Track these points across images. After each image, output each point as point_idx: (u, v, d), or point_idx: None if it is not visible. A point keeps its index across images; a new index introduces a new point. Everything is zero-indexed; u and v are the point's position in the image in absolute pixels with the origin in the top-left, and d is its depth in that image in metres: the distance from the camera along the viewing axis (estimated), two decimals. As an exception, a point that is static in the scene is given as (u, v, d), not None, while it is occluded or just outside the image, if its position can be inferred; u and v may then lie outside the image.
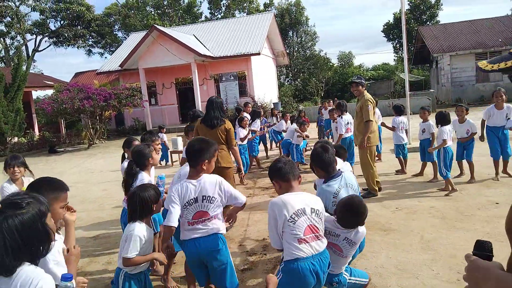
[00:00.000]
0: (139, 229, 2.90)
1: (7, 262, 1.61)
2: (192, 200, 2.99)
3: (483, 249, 1.32)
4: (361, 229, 3.08)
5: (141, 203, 2.96)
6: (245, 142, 8.88)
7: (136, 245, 2.84)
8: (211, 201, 3.02)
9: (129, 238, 2.85)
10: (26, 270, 1.64)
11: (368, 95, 6.58)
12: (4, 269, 1.61)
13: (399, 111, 8.36)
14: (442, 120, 6.58)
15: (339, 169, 3.52)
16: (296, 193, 2.84)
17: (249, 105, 11.64)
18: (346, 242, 3.03)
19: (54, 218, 2.06)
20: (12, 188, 4.27)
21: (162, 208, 3.33)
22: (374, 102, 6.63)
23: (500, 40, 25.17)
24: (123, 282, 2.89)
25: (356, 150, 9.35)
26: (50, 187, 2.21)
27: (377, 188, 6.58)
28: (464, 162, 7.09)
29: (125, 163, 4.64)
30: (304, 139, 9.38)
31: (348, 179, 3.47)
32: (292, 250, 2.69)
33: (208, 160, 3.08)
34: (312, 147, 4.14)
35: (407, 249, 4.36)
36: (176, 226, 2.97)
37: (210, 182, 3.04)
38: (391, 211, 5.74)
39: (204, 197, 3.01)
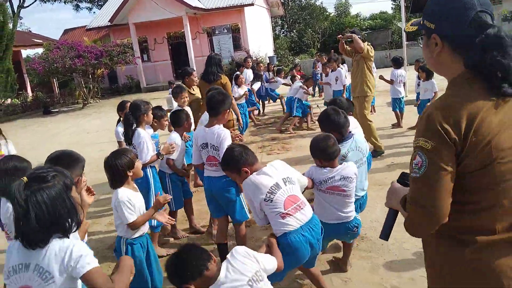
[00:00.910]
0: (122, 194, 2.87)
1: (39, 234, 1.66)
2: (203, 145, 3.52)
3: (405, 178, 1.66)
4: (347, 163, 3.11)
5: (112, 171, 2.92)
6: (243, 101, 8.61)
7: (128, 209, 2.84)
8: (216, 149, 3.43)
9: (118, 206, 2.85)
10: (58, 241, 1.71)
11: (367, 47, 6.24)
12: (36, 241, 1.67)
13: (397, 63, 8.24)
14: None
15: (350, 131, 3.43)
16: (266, 169, 2.73)
17: (249, 60, 11.35)
18: (343, 180, 3.03)
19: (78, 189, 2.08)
20: None
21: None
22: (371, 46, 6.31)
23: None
24: (125, 249, 2.90)
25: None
26: (70, 160, 2.18)
27: (380, 144, 6.30)
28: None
29: (119, 127, 4.65)
30: (309, 94, 9.20)
31: (358, 141, 3.42)
32: (279, 227, 2.62)
33: (227, 109, 3.52)
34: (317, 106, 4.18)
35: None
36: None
37: (215, 132, 3.43)
38: (387, 165, 5.80)
39: (210, 144, 3.46)
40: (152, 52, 24.34)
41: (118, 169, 2.90)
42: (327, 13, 38.43)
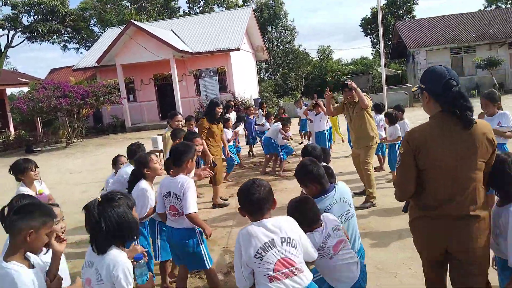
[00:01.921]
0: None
1: (104, 244, 2.18)
2: (166, 194, 3.53)
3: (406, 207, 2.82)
4: (325, 216, 2.81)
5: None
6: (231, 143, 8.73)
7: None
8: (178, 199, 3.43)
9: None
10: (114, 251, 2.20)
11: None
12: (101, 249, 2.18)
13: (378, 109, 8.52)
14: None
15: (331, 183, 3.11)
16: (267, 221, 2.39)
17: (231, 103, 11.58)
18: (333, 231, 2.73)
19: (37, 243, 2.13)
20: (28, 191, 4.28)
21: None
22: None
23: (473, 35, 25.82)
24: None
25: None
26: (41, 211, 2.18)
27: (375, 196, 6.09)
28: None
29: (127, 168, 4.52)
30: (288, 140, 9.07)
31: (342, 192, 3.06)
32: None
33: (189, 159, 3.59)
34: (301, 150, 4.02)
35: (385, 248, 4.50)
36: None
37: (179, 182, 3.45)
38: (370, 210, 5.88)
39: (173, 193, 3.47)
40: (138, 92, 24.58)
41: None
42: (310, 58, 39.73)
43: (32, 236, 2.09)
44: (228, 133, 8.64)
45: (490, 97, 4.77)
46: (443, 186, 2.40)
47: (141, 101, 24.58)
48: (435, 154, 2.38)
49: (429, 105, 2.50)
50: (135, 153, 4.67)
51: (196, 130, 9.07)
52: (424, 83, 2.53)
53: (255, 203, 2.43)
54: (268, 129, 10.05)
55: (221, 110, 6.89)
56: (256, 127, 11.28)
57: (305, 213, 2.68)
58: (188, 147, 3.64)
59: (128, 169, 4.39)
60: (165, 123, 12.72)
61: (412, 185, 2.47)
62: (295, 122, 15.09)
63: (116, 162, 5.21)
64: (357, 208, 6.00)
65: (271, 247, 2.31)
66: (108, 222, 2.17)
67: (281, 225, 2.39)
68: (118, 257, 2.19)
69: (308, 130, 12.92)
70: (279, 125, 9.07)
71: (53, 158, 15.59)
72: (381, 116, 8.48)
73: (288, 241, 2.36)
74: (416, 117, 16.68)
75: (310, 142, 11.19)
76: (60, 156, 16.12)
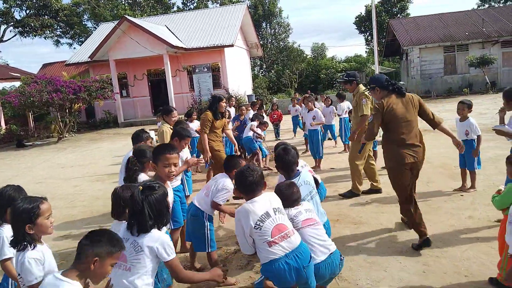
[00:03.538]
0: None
1: (147, 225, 2.48)
2: None
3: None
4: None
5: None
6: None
7: None
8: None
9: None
10: (155, 230, 2.53)
11: (362, 89, 6.34)
12: (145, 229, 2.49)
13: (341, 97, 8.98)
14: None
15: (297, 169, 3.73)
16: (258, 198, 2.97)
17: (232, 99, 11.57)
18: (306, 212, 3.27)
19: (101, 272, 2.12)
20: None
21: None
22: (370, 96, 6.20)
23: (466, 33, 25.93)
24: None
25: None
26: (109, 241, 2.16)
27: (360, 188, 6.30)
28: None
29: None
30: (260, 138, 8.97)
31: (304, 176, 3.70)
32: (265, 254, 2.85)
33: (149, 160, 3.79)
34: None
35: (376, 242, 4.50)
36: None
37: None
38: (361, 204, 5.89)
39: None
40: (131, 87, 24.43)
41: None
42: (304, 55, 39.71)
43: (96, 264, 2.07)
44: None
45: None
46: (401, 128, 4.23)
47: (134, 96, 24.44)
48: (396, 112, 4.22)
49: (380, 94, 4.41)
50: (139, 137, 4.64)
51: (195, 124, 9.02)
52: (374, 84, 4.46)
53: (248, 185, 2.98)
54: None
55: (224, 105, 6.73)
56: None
57: (291, 196, 3.25)
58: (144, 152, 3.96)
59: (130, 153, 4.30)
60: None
61: (377, 131, 4.41)
62: (288, 118, 15.09)
63: (137, 137, 4.80)
64: (340, 195, 6.32)
65: (267, 218, 2.86)
66: (150, 207, 2.49)
67: (270, 198, 3.00)
68: (160, 235, 2.52)
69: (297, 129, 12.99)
70: (253, 122, 9.00)
71: (44, 153, 15.45)
72: (344, 104, 8.84)
73: (279, 210, 2.97)
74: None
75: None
76: (51, 150, 15.98)
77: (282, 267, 2.78)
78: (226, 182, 3.97)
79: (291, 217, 3.15)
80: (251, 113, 10.58)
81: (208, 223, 3.91)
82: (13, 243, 2.40)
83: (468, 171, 6.04)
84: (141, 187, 2.57)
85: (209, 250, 3.92)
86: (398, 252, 4.18)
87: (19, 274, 2.37)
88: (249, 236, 2.89)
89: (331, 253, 3.15)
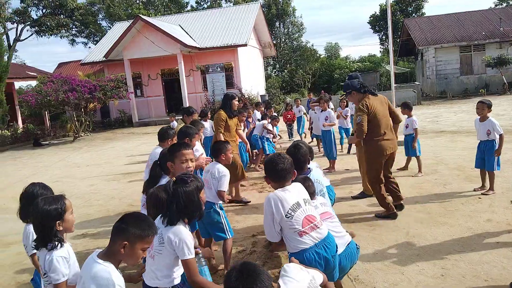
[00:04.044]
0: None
1: (174, 218, 2.53)
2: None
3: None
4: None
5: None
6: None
7: None
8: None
9: None
10: (180, 226, 2.54)
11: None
12: (171, 221, 2.53)
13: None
14: None
15: (308, 168, 3.81)
16: (290, 188, 2.96)
17: (261, 105, 11.49)
18: (322, 206, 3.33)
19: (132, 257, 2.10)
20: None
21: None
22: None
23: (483, 33, 25.52)
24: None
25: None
26: (137, 225, 2.12)
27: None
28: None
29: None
30: (273, 136, 9.05)
31: (316, 175, 3.77)
32: (295, 244, 2.87)
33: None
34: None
35: (393, 244, 4.46)
36: None
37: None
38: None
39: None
40: (145, 87, 24.62)
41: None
42: (317, 55, 39.60)
43: (126, 248, 2.06)
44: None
45: None
46: (381, 124, 5.11)
47: (148, 96, 24.63)
48: (377, 110, 5.09)
49: (356, 97, 5.24)
50: (166, 134, 4.65)
51: (208, 123, 8.98)
52: (350, 88, 5.27)
53: (280, 172, 2.97)
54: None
55: (237, 103, 6.64)
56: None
57: (307, 189, 3.19)
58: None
59: (158, 150, 4.25)
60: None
61: (366, 129, 5.07)
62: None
63: (164, 134, 4.73)
64: (353, 198, 6.26)
65: (298, 208, 2.88)
66: (178, 200, 2.53)
67: (299, 189, 3.00)
68: (181, 231, 2.51)
69: (304, 131, 12.87)
70: (264, 121, 9.10)
71: (60, 152, 15.68)
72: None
73: (308, 201, 2.99)
74: (424, 115, 16.59)
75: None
76: (67, 150, 16.20)
77: (312, 256, 2.82)
78: (220, 169, 4.22)
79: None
80: (257, 114, 10.63)
81: (222, 211, 4.10)
82: (41, 243, 2.40)
83: (487, 172, 5.95)
84: (175, 178, 2.61)
85: (230, 236, 4.06)
86: (416, 255, 4.14)
87: (45, 273, 2.38)
88: (278, 223, 2.88)
89: (348, 243, 3.24)
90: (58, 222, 2.41)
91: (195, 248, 2.70)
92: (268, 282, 1.78)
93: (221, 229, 4.04)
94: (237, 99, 6.68)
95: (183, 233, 2.50)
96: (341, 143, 10.76)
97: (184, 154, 3.38)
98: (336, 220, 3.38)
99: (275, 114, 10.11)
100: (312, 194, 3.27)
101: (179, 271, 2.59)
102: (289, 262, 2.61)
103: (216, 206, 4.09)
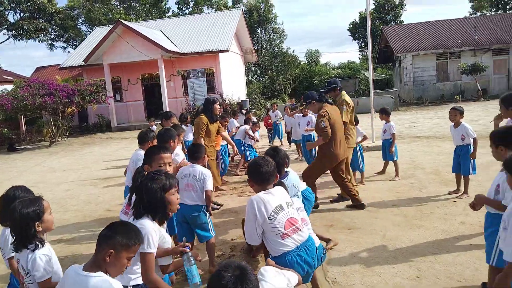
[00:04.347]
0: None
1: (138, 211, 2.51)
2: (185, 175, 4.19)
3: None
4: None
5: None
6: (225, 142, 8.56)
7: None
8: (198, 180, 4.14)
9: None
10: (146, 220, 2.50)
11: (344, 96, 6.23)
12: (136, 214, 2.52)
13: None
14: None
15: (286, 171, 3.91)
16: (273, 191, 2.99)
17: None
18: (298, 211, 3.26)
19: (117, 266, 2.06)
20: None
21: None
22: (351, 104, 6.25)
23: (459, 41, 26.22)
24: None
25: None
26: (124, 233, 2.10)
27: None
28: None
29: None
30: (254, 140, 9.14)
31: (292, 179, 3.88)
32: (277, 247, 2.87)
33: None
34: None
35: (370, 247, 4.51)
36: None
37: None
38: (355, 210, 5.90)
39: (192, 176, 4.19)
40: (125, 92, 24.35)
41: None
42: (298, 61, 39.92)
43: (112, 257, 2.03)
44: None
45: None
46: (337, 130, 5.60)
47: (128, 100, 24.37)
48: (334, 117, 5.62)
49: (316, 106, 5.76)
50: (146, 136, 4.61)
51: (189, 127, 8.88)
52: (310, 98, 5.84)
53: (264, 175, 2.97)
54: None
55: (219, 108, 6.59)
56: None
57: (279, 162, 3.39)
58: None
59: (141, 152, 4.20)
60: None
61: (330, 131, 5.48)
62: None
63: (144, 137, 4.73)
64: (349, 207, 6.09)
65: (280, 210, 2.89)
66: (141, 194, 2.51)
67: (282, 192, 3.02)
68: (145, 224, 2.46)
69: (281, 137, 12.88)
70: (246, 126, 9.15)
71: (36, 157, 15.33)
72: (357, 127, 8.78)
73: (290, 204, 3.00)
74: (402, 120, 16.89)
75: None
76: (43, 154, 15.85)
77: (294, 259, 2.86)
78: (203, 170, 4.19)
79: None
80: (234, 122, 10.61)
81: (207, 213, 4.18)
82: (21, 245, 2.38)
83: (462, 176, 6.08)
84: (146, 173, 2.60)
85: (213, 234, 4.18)
86: (392, 257, 4.19)
87: (28, 273, 2.35)
88: (260, 226, 2.88)
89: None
90: (37, 223, 2.41)
91: (184, 247, 2.67)
92: (256, 282, 1.76)
93: (206, 229, 4.10)
94: (218, 103, 6.63)
95: (147, 227, 2.45)
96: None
97: (162, 157, 3.32)
98: (310, 226, 3.44)
99: (255, 119, 10.16)
100: (282, 166, 3.44)
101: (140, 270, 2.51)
102: (266, 265, 2.62)
103: (203, 208, 4.12)
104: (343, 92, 6.41)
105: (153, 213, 2.55)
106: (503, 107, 4.42)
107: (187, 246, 2.69)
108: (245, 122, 9.68)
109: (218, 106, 6.53)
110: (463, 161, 5.98)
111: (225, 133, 7.30)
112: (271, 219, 2.84)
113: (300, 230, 2.95)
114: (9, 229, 2.74)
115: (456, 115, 6.05)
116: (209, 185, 4.12)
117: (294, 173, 4.01)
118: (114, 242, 2.04)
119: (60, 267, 2.47)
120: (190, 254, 2.62)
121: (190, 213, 4.02)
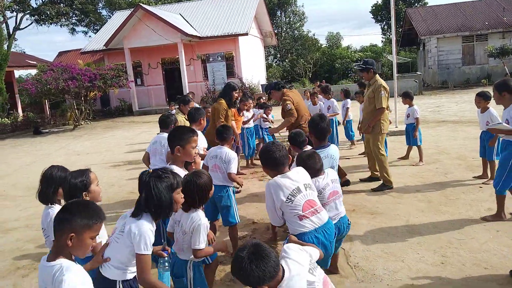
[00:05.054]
0: (203, 218, 2.76)
1: (139, 209, 2.38)
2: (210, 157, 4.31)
3: None
4: (328, 170, 3.50)
5: (199, 191, 2.79)
6: (251, 125, 8.45)
7: (204, 235, 2.74)
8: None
9: (197, 229, 2.70)
10: (145, 221, 2.35)
11: (381, 81, 6.04)
12: (136, 213, 2.38)
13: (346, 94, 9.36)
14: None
15: (328, 142, 4.02)
16: (290, 174, 2.99)
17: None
18: (333, 183, 3.39)
19: (81, 248, 1.94)
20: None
21: None
22: (388, 89, 6.01)
23: (486, 23, 25.31)
24: (193, 272, 2.81)
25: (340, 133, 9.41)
26: (83, 213, 1.95)
27: (391, 179, 6.01)
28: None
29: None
30: (270, 122, 8.96)
31: (332, 150, 3.95)
32: (295, 227, 2.93)
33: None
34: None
35: (393, 232, 4.46)
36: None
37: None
38: (378, 195, 5.83)
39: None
40: (145, 76, 24.52)
41: (204, 189, 2.82)
42: (319, 45, 39.34)
43: (74, 240, 1.89)
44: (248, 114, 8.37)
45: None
46: (301, 114, 5.76)
47: (149, 85, 24.54)
48: (297, 100, 5.84)
49: (276, 94, 6.01)
50: (169, 120, 4.81)
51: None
52: (269, 89, 6.26)
53: (276, 160, 3.00)
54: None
55: (237, 95, 6.60)
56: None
57: (314, 165, 3.26)
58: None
59: (165, 135, 4.30)
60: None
61: (296, 112, 5.71)
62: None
63: (165, 121, 4.91)
64: (373, 190, 6.01)
65: (298, 193, 2.91)
66: (145, 193, 2.39)
67: (300, 175, 3.01)
68: (143, 225, 2.35)
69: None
70: (260, 110, 9.13)
71: (61, 140, 15.66)
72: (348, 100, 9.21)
73: (309, 186, 3.00)
74: (426, 104, 16.52)
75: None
76: (67, 138, 16.17)
77: (311, 240, 2.88)
78: (229, 152, 4.23)
79: (319, 189, 3.24)
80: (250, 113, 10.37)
81: (233, 195, 4.22)
82: None
83: (488, 162, 5.93)
84: (151, 171, 2.49)
85: (238, 221, 4.18)
86: (416, 243, 4.13)
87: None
88: (279, 209, 2.94)
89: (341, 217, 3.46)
90: (84, 193, 2.65)
91: (163, 250, 2.62)
92: (273, 255, 1.89)
93: (230, 212, 4.14)
94: (237, 90, 6.63)
95: (144, 228, 2.33)
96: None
97: (195, 140, 3.27)
98: (341, 198, 3.50)
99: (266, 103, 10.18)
100: (318, 171, 3.30)
101: (133, 268, 2.42)
102: (288, 242, 2.66)
103: (230, 190, 4.15)
104: (377, 76, 6.21)
105: (156, 212, 2.42)
106: (496, 93, 4.39)
107: (165, 250, 2.64)
108: (262, 107, 9.63)
109: (236, 94, 6.51)
110: (487, 146, 5.83)
111: (233, 122, 7.20)
112: (288, 202, 2.89)
113: (319, 212, 2.98)
114: (51, 209, 2.86)
115: (480, 102, 5.89)
116: (233, 168, 4.15)
117: (335, 146, 4.06)
118: (74, 224, 1.89)
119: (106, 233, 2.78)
120: (166, 259, 2.59)
121: (217, 193, 4.02)
